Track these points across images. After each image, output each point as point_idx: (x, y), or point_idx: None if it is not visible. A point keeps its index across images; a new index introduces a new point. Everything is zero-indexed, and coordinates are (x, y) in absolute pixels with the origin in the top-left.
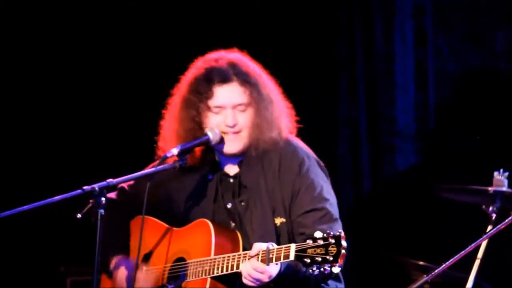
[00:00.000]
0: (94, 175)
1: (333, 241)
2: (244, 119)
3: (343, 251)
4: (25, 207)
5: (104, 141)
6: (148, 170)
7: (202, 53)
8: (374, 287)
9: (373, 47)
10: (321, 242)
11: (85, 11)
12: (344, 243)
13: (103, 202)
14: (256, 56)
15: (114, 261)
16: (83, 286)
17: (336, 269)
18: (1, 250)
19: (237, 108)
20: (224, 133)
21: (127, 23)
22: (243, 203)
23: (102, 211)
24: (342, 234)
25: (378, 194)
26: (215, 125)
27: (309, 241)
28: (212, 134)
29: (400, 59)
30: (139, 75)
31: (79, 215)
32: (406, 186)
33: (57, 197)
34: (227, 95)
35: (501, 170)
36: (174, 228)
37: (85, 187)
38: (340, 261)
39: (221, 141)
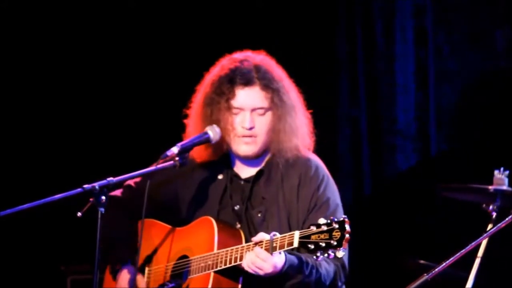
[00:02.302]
0: (95, 173)
1: (337, 226)
2: (262, 123)
3: (347, 235)
4: (25, 205)
5: (104, 140)
6: (148, 168)
7: (201, 53)
8: (374, 287)
9: (374, 47)
10: (324, 228)
11: (85, 10)
12: (348, 227)
13: (104, 200)
14: None
15: (119, 264)
16: (83, 285)
17: (340, 254)
18: (1, 249)
19: (256, 112)
20: (241, 135)
21: (127, 23)
22: (259, 215)
23: (102, 209)
24: (346, 219)
25: (379, 194)
26: (232, 125)
27: (313, 227)
28: (212, 133)
29: (401, 58)
30: (139, 75)
31: (79, 214)
32: (406, 185)
33: (57, 196)
34: (247, 98)
35: (502, 169)
36: (177, 228)
37: (85, 186)
38: (345, 245)
39: (235, 142)
